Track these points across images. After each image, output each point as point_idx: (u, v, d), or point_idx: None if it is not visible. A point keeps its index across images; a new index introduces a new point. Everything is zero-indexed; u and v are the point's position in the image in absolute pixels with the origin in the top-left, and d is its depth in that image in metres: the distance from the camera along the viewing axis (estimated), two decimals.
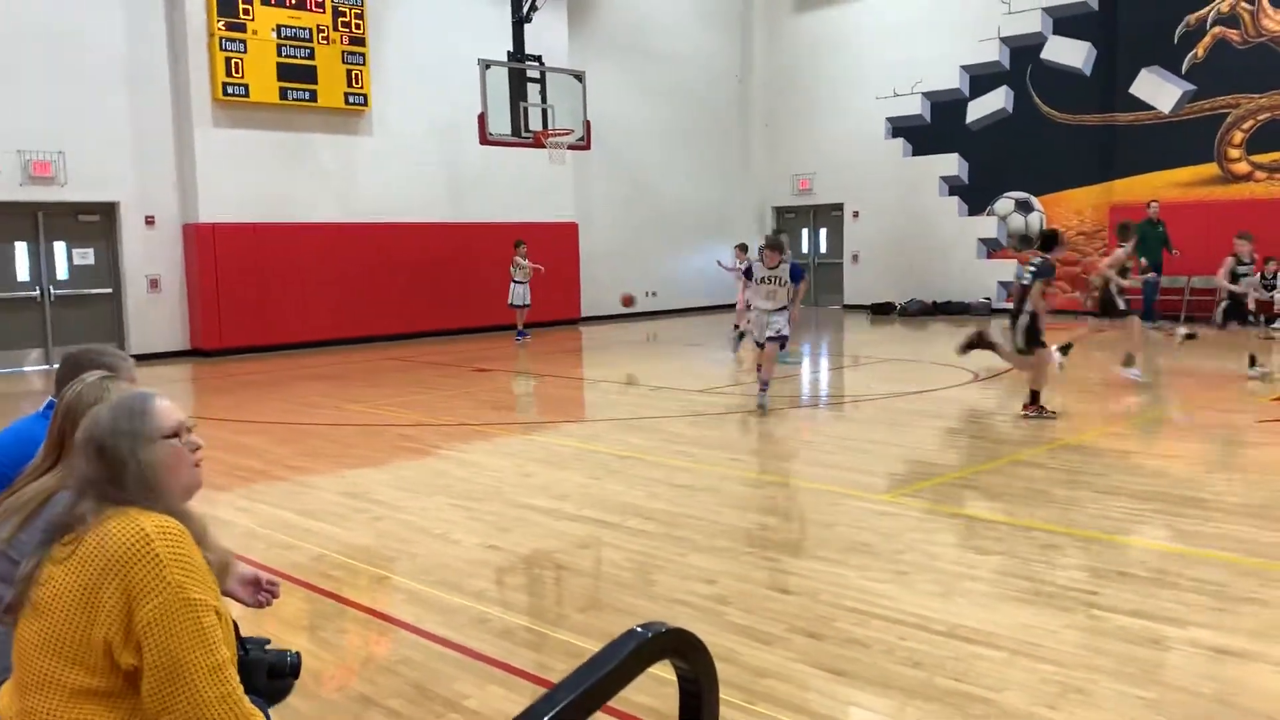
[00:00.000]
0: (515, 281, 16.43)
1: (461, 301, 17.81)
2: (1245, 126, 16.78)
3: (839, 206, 22.35)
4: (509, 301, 16.59)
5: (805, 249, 23.33)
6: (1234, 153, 16.94)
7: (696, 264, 22.63)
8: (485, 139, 15.51)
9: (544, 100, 16.19)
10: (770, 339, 9.57)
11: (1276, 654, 3.78)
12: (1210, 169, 17.16)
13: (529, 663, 3.91)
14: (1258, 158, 16.69)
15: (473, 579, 4.90)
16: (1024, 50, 19.24)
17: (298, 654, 2.45)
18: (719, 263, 19.45)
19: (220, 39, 14.86)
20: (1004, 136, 19.63)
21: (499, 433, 8.88)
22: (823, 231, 23.03)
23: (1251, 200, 16.57)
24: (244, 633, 2.38)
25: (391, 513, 6.19)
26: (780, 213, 23.66)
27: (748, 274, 9.89)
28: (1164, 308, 16.69)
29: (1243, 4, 16.65)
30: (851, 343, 16.79)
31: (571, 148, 16.83)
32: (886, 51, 20.91)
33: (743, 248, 15.91)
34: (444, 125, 17.20)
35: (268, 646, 2.43)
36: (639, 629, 1.45)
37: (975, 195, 20.18)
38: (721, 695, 3.52)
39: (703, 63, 22.50)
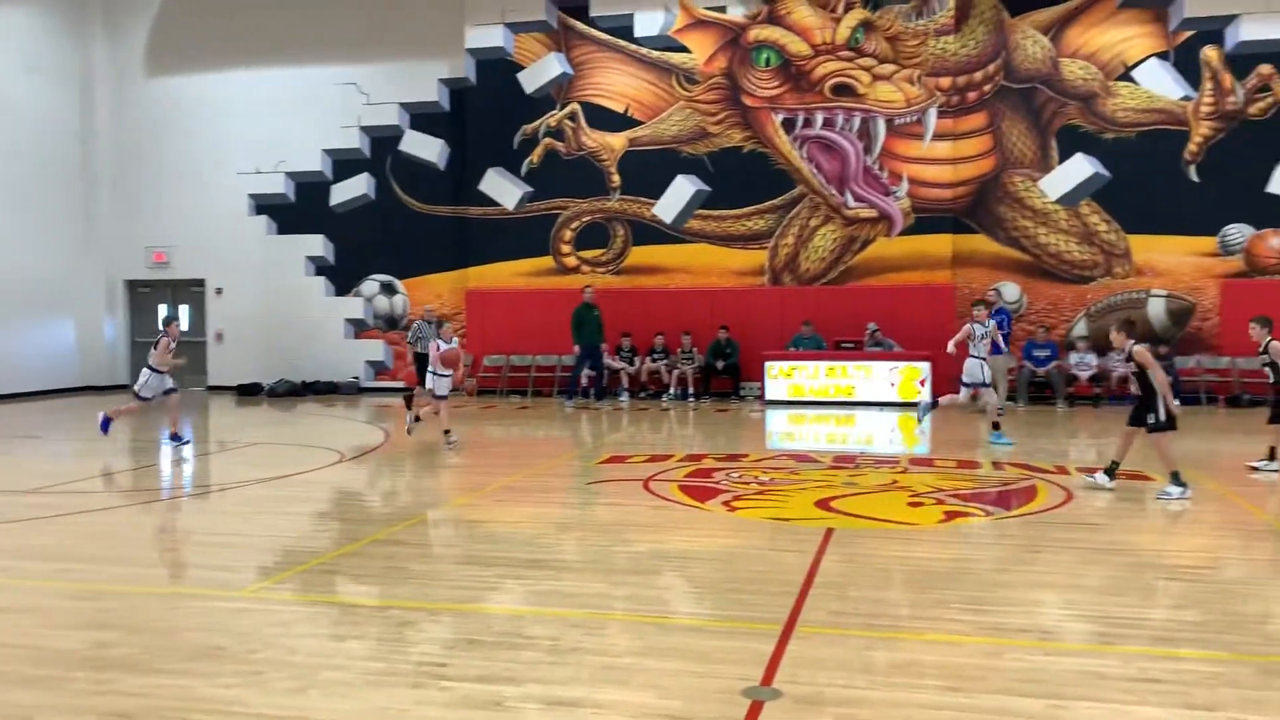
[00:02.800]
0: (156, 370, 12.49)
1: None
2: (573, 226, 19.36)
3: (200, 282, 21.18)
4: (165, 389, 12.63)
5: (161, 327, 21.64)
6: (565, 248, 19.42)
7: (30, 342, 19.77)
8: None
9: None
10: None
11: (599, 698, 4.25)
12: (547, 261, 19.46)
13: None
14: (583, 253, 19.32)
15: None
16: (384, 140, 20.17)
17: None
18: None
19: None
20: (368, 221, 20.27)
21: None
22: (184, 308, 21.56)
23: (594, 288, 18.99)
24: None
25: None
26: (134, 286, 21.71)
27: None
28: (490, 384, 18.60)
29: (567, 121, 19.29)
30: (217, 427, 15.86)
31: None
32: (248, 127, 20.49)
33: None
34: None
35: None
36: None
37: (342, 276, 20.49)
38: None
39: (35, 116, 19.97)
